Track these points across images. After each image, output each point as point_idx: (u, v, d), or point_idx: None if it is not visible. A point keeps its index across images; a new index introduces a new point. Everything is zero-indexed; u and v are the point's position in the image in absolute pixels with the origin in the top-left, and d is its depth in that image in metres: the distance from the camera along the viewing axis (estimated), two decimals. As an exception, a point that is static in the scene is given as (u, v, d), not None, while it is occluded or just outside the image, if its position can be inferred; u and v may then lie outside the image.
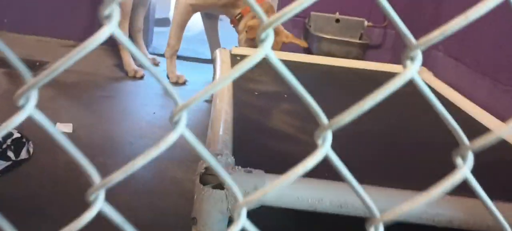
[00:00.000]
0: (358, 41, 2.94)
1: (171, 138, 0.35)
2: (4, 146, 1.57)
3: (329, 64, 2.47)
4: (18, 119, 0.31)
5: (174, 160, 1.73)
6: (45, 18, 3.18)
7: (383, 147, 1.54)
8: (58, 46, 3.06)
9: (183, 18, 2.70)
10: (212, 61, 2.55)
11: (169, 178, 1.62)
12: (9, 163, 1.52)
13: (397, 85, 0.36)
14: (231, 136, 1.30)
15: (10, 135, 1.64)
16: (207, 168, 1.08)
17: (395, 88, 0.36)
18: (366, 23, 2.97)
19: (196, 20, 4.15)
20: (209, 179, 1.08)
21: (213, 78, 2.44)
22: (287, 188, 1.08)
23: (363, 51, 2.92)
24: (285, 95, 1.93)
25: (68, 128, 1.87)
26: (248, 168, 1.10)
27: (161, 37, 3.79)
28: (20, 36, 3.13)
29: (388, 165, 1.38)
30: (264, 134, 1.46)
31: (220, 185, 1.06)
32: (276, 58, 0.36)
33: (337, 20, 2.99)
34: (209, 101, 2.38)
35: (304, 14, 3.05)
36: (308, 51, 2.97)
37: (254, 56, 0.34)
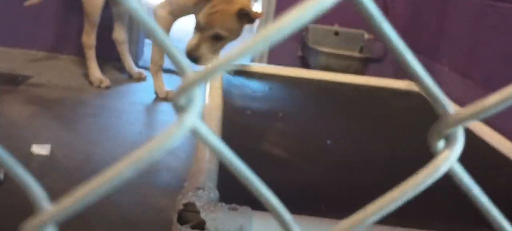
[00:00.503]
0: (358, 55, 2.80)
1: (179, 132, 0.22)
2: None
3: (327, 80, 2.33)
4: None
5: (158, 186, 1.59)
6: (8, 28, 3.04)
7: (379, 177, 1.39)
8: (23, 57, 2.91)
9: (164, 30, 2.55)
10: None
11: (151, 206, 1.47)
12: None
13: (430, 180, 0.22)
14: (217, 164, 1.16)
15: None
16: (186, 205, 0.93)
17: (423, 188, 0.22)
18: (366, 35, 2.83)
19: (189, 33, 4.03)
20: (189, 216, 0.93)
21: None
22: (277, 228, 0.93)
23: (364, 66, 2.78)
24: (280, 114, 1.79)
25: (45, 149, 1.73)
26: (233, 205, 0.95)
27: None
28: None
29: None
30: (254, 160, 1.31)
31: (200, 224, 0.91)
32: (206, 130, 0.22)
33: (336, 33, 2.85)
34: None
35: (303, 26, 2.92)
36: (306, 65, 2.83)
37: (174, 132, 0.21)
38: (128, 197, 1.48)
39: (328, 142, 1.58)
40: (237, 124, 1.57)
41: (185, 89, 0.23)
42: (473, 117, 0.22)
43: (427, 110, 2.04)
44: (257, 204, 0.96)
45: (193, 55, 2.12)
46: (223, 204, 0.95)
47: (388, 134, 1.76)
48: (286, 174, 1.28)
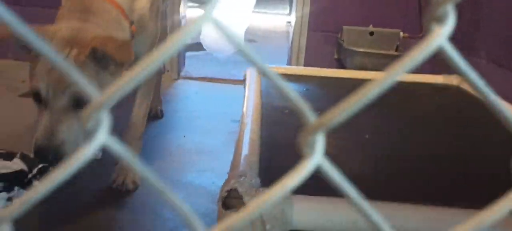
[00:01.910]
0: (394, 53, 2.82)
1: (90, 149, 0.27)
2: (30, 176, 1.55)
3: (364, 78, 2.36)
4: None
5: (202, 185, 1.66)
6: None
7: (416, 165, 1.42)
8: None
9: None
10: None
11: (198, 205, 1.55)
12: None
13: (418, 59, 0.27)
14: (258, 156, 1.22)
15: (36, 164, 1.61)
16: (229, 191, 1.00)
17: (413, 65, 0.27)
18: (401, 34, 2.84)
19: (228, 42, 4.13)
20: (232, 202, 1.00)
21: (243, 98, 2.38)
22: (317, 210, 0.99)
23: (400, 64, 2.79)
24: (319, 113, 1.84)
25: (100, 153, 1.84)
26: (274, 190, 1.01)
27: (193, 61, 3.78)
28: None
29: (427, 184, 1.27)
30: (292, 155, 1.37)
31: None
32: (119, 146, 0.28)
33: (371, 33, 2.88)
34: (238, 120, 2.32)
35: (336, 28, 2.96)
36: (342, 67, 2.87)
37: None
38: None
39: (367, 136, 1.62)
40: (277, 122, 1.63)
41: (92, 112, 0.28)
42: None
43: (464, 104, 2.03)
44: (297, 189, 1.02)
45: (48, 149, 1.24)
46: (266, 188, 1.01)
47: (425, 127, 1.78)
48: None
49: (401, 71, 0.27)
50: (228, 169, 1.82)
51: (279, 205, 0.97)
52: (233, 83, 3.26)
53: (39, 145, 1.23)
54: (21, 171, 1.54)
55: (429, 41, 0.26)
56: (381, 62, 2.72)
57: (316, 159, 0.28)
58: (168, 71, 3.16)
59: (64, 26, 1.32)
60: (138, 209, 1.47)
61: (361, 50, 2.76)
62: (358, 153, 1.52)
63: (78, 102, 1.26)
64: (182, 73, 3.34)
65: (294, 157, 1.21)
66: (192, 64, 3.65)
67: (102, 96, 0.27)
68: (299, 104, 0.29)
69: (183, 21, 3.28)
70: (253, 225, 0.97)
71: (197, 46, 4.17)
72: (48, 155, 1.23)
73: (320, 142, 0.28)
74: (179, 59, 3.30)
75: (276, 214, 0.97)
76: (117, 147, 0.28)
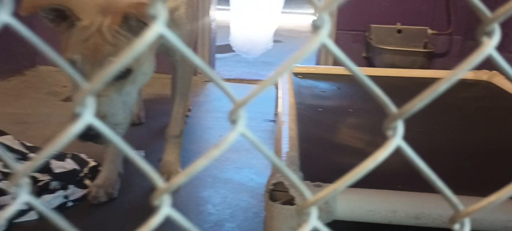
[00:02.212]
0: (422, 50, 2.85)
1: (231, 137, 0.35)
2: (82, 174, 1.65)
3: (394, 76, 2.41)
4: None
5: (242, 181, 1.74)
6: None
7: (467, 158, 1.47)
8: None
9: None
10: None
11: (239, 200, 1.62)
12: (86, 191, 1.59)
13: (475, 62, 0.34)
14: (297, 152, 1.29)
15: (87, 163, 1.72)
16: (275, 184, 1.07)
17: (471, 67, 0.34)
18: (430, 31, 2.88)
19: (257, 43, 4.22)
20: (279, 195, 1.07)
21: (276, 97, 2.45)
22: (359, 201, 1.05)
23: (429, 60, 2.82)
24: (350, 110, 1.90)
25: (142, 153, 1.93)
26: (317, 182, 1.08)
27: (222, 63, 3.87)
28: None
29: (475, 177, 1.32)
30: (331, 149, 1.44)
31: (289, 201, 1.05)
32: (333, 44, 0.35)
33: (399, 31, 2.92)
34: (274, 121, 2.39)
35: (364, 27, 3.01)
36: (370, 64, 2.91)
37: (311, 43, 0.34)
38: (217, 191, 1.65)
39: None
40: (311, 119, 1.69)
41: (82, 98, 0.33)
42: (505, 14, 0.33)
43: (493, 99, 2.06)
44: (330, 176, 1.08)
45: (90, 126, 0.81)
46: (309, 182, 1.08)
47: (456, 122, 1.82)
48: (360, 160, 1.39)
49: (462, 71, 0.34)
50: (264, 165, 1.90)
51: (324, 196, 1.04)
52: (263, 83, 3.33)
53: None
54: (74, 170, 1.64)
55: (483, 49, 0.33)
56: (410, 59, 2.76)
57: (397, 139, 0.36)
58: (200, 73, 3.26)
59: None
60: (183, 205, 1.56)
61: (390, 48, 2.80)
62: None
63: (121, 74, 1.23)
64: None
65: (330, 152, 1.30)
66: (222, 66, 3.74)
67: (89, 85, 0.33)
68: (382, 97, 0.36)
69: (213, 24, 3.37)
70: (299, 215, 1.04)
71: (226, 47, 4.26)
72: (90, 131, 1.19)
73: (400, 127, 0.36)
74: (209, 61, 3.39)
75: (321, 205, 1.04)
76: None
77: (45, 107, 2.55)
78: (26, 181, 0.34)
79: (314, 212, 0.38)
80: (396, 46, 2.82)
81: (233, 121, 0.36)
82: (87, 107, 0.33)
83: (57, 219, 0.35)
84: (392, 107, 0.36)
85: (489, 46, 0.34)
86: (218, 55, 3.77)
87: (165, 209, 0.35)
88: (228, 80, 3.35)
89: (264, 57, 4.21)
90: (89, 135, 1.15)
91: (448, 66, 2.67)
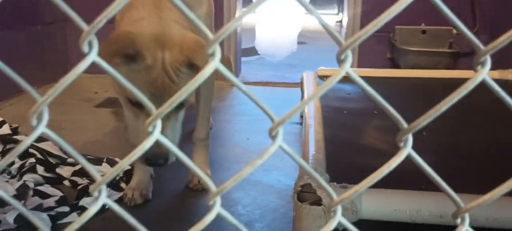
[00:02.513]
0: (447, 50, 2.86)
1: (272, 149, 0.41)
2: (117, 178, 1.73)
3: (419, 77, 2.43)
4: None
5: (269, 183, 1.80)
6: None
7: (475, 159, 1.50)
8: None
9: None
10: (300, 84, 2.60)
11: (267, 201, 1.68)
12: (121, 193, 1.67)
13: (470, 88, 0.40)
14: (324, 154, 1.34)
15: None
16: (303, 186, 1.12)
17: (468, 91, 0.40)
18: (455, 31, 2.88)
19: (279, 48, 4.27)
20: (306, 196, 1.13)
21: (302, 100, 2.49)
22: (384, 201, 1.10)
23: (454, 60, 2.83)
24: (375, 112, 1.94)
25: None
26: (344, 184, 1.13)
27: (248, 66, 3.94)
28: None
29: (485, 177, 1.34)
30: (357, 151, 1.48)
31: (317, 202, 1.10)
32: (355, 74, 0.40)
33: (423, 31, 2.93)
34: (300, 123, 2.44)
35: (388, 28, 3.03)
36: (395, 65, 2.93)
37: (336, 75, 0.39)
38: (247, 193, 1.71)
39: (424, 132, 1.70)
40: (337, 122, 1.74)
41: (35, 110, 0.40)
42: (494, 48, 0.39)
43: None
44: (354, 177, 1.13)
45: (160, 156, 1.30)
46: (335, 183, 1.13)
47: (481, 122, 1.84)
48: (385, 161, 1.43)
49: (459, 96, 0.39)
50: (291, 168, 1.95)
51: (351, 197, 1.09)
52: (287, 86, 3.39)
53: (151, 152, 1.11)
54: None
55: (477, 77, 0.39)
56: (435, 60, 2.77)
57: (408, 149, 0.41)
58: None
59: (145, 23, 1.33)
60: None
61: (414, 49, 2.82)
62: (416, 147, 1.61)
63: (178, 107, 1.30)
64: (239, 79, 3.49)
65: (355, 153, 1.35)
66: (247, 70, 3.81)
67: (44, 97, 0.39)
68: (394, 114, 0.42)
69: (238, 28, 3.44)
70: (326, 214, 1.10)
71: (251, 50, 4.33)
72: (159, 161, 1.30)
73: (410, 139, 0.41)
74: (235, 65, 3.46)
75: (347, 204, 1.09)
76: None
77: (79, 113, 2.66)
78: (104, 188, 0.40)
79: (339, 210, 0.43)
80: (420, 47, 2.83)
81: (273, 137, 0.42)
82: (156, 127, 0.40)
83: (129, 217, 0.41)
84: (403, 123, 0.41)
85: (483, 74, 0.39)
86: (243, 59, 3.84)
87: (217, 208, 0.41)
88: (254, 83, 3.42)
89: (289, 59, 4.26)
90: (156, 162, 1.31)
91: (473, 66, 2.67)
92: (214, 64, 0.38)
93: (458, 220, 0.44)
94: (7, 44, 2.82)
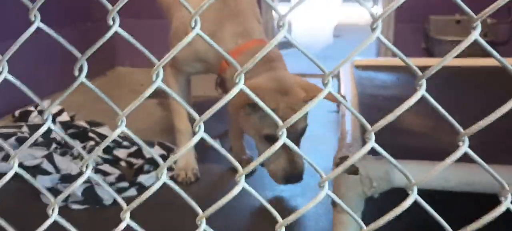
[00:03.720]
0: (483, 39, 2.90)
1: (323, 93, 0.53)
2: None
3: (453, 65, 2.48)
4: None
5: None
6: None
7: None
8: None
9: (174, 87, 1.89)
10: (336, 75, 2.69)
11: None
12: (171, 173, 1.82)
13: (463, 47, 0.51)
14: (360, 132, 1.45)
15: (171, 149, 1.96)
16: (342, 158, 1.24)
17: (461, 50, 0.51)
18: (489, 20, 2.92)
19: (311, 41, 4.37)
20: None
21: (338, 90, 2.60)
22: (415, 171, 1.20)
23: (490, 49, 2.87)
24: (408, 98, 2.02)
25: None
26: (378, 156, 1.24)
27: (285, 58, 4.04)
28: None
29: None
30: (391, 131, 1.58)
31: (354, 171, 1.22)
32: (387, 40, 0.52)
33: (458, 21, 2.98)
34: (337, 111, 2.55)
35: (423, 19, 3.09)
36: (429, 54, 3.00)
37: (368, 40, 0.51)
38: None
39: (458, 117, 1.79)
40: (372, 106, 1.84)
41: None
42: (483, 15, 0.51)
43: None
44: (398, 153, 1.25)
45: (297, 177, 1.61)
46: (371, 155, 1.25)
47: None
48: (425, 142, 1.52)
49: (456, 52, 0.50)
50: (328, 151, 2.06)
51: (384, 167, 1.20)
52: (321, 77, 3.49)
53: (289, 174, 1.57)
54: (163, 155, 1.89)
55: (470, 37, 0.50)
56: (470, 49, 2.82)
57: (465, 147, 0.53)
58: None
59: (262, 77, 1.59)
60: (261, 183, 1.76)
61: (449, 38, 2.87)
62: (451, 131, 1.70)
63: (302, 133, 1.63)
64: (277, 71, 3.62)
65: (390, 133, 1.45)
66: (285, 61, 3.92)
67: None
68: (452, 122, 0.54)
69: (274, 22, 3.56)
70: (362, 183, 1.21)
71: (288, 43, 4.44)
72: (296, 181, 1.60)
73: (466, 140, 0.53)
74: (273, 58, 3.58)
75: (382, 174, 1.20)
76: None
77: (127, 103, 2.83)
78: (165, 170, 0.57)
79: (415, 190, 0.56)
80: (455, 37, 2.88)
81: (325, 84, 0.55)
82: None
83: (181, 192, 0.55)
84: (460, 129, 0.54)
85: (474, 35, 0.51)
86: (281, 51, 3.96)
87: (241, 184, 0.56)
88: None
89: (324, 52, 4.36)
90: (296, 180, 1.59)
91: (509, 55, 2.71)
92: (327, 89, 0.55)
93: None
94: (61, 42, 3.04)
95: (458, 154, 0.53)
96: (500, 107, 0.52)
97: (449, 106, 0.66)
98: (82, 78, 0.64)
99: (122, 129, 0.63)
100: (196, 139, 0.59)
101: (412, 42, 3.18)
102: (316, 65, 0.60)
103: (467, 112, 1.93)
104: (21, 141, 1.90)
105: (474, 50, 2.79)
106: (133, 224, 0.70)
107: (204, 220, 0.70)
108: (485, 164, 0.56)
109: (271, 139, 1.55)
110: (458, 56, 2.33)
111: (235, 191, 0.65)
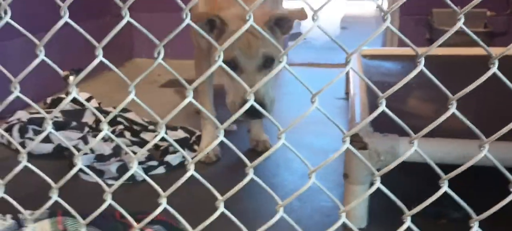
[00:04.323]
0: (483, 30, 3.05)
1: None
2: (191, 141, 2.06)
3: (454, 54, 2.64)
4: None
5: (316, 145, 2.08)
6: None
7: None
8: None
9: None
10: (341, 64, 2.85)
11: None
12: (195, 154, 1.99)
13: (449, 34, 0.67)
14: (368, 113, 1.62)
15: (193, 132, 2.13)
16: (352, 136, 1.40)
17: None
18: (488, 13, 3.07)
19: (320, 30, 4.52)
20: (355, 144, 1.41)
21: (347, 78, 2.76)
22: (418, 146, 1.37)
23: (489, 39, 3.02)
24: (414, 85, 2.18)
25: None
26: (385, 133, 1.41)
27: (294, 49, 4.21)
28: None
29: None
30: (403, 115, 1.74)
31: (363, 147, 1.38)
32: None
33: (460, 13, 3.13)
34: (345, 98, 2.71)
35: (426, 12, 3.24)
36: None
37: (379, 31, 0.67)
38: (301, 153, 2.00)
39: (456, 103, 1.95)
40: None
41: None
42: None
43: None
44: (402, 133, 1.43)
45: (263, 102, 1.59)
46: (378, 132, 1.41)
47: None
48: (429, 123, 1.68)
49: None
50: (338, 134, 2.22)
51: (390, 143, 1.37)
52: (331, 67, 3.65)
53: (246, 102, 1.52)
54: (185, 138, 2.06)
55: (453, 28, 0.66)
56: (471, 40, 2.97)
57: (453, 108, 0.68)
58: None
59: (231, 10, 1.63)
60: (276, 162, 1.93)
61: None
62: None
63: (266, 61, 1.63)
64: (287, 60, 3.78)
65: (405, 117, 1.61)
66: (294, 52, 4.08)
67: (252, 88, 0.69)
68: (442, 88, 0.69)
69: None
70: (371, 157, 1.37)
71: (297, 35, 4.60)
72: (255, 113, 1.48)
73: (454, 103, 0.69)
74: (283, 48, 3.74)
75: (388, 149, 1.36)
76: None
77: (146, 93, 3.01)
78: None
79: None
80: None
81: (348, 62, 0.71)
82: (252, 96, 0.69)
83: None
84: (449, 94, 0.69)
85: (458, 25, 0.66)
86: (290, 43, 4.13)
87: (250, 175, 0.70)
88: (300, 64, 3.70)
89: (331, 43, 4.49)
90: (256, 115, 1.58)
91: (507, 44, 2.86)
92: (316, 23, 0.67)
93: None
94: (82, 34, 3.21)
95: (448, 114, 0.69)
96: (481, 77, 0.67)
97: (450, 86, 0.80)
98: (100, 57, 0.75)
99: (162, 134, 0.78)
100: (220, 138, 0.71)
101: (417, 33, 3.33)
102: (339, 46, 0.73)
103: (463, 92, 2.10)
104: (56, 125, 2.07)
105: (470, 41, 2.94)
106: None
107: (222, 204, 0.79)
108: (476, 129, 0.71)
109: (228, 65, 1.58)
110: (457, 46, 2.50)
111: (245, 180, 0.77)
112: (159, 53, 0.70)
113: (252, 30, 1.49)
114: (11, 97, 0.72)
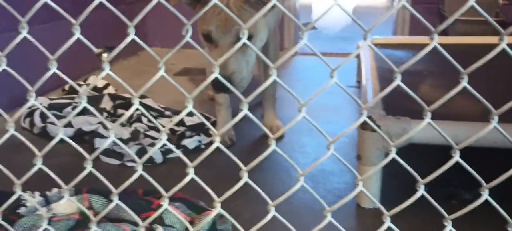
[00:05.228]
0: (494, 18, 3.07)
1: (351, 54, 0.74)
2: (206, 126, 2.11)
3: (465, 43, 2.67)
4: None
5: (331, 129, 2.13)
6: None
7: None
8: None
9: None
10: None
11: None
12: (211, 138, 2.04)
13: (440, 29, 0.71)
14: (379, 96, 1.66)
15: (209, 118, 2.18)
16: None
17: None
18: (500, 1, 3.08)
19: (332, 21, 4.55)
20: (368, 126, 1.46)
21: (358, 67, 2.79)
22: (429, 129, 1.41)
23: (501, 28, 3.04)
24: (425, 73, 2.22)
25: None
26: (397, 116, 1.45)
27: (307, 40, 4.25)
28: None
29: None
30: (407, 99, 1.79)
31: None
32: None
33: (471, 2, 3.14)
34: (357, 87, 2.75)
35: (437, 1, 3.26)
36: (444, 33, 3.17)
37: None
38: (313, 138, 2.05)
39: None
40: (390, 80, 2.03)
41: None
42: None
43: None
44: (414, 115, 1.49)
45: (230, 77, 1.62)
46: (390, 115, 1.46)
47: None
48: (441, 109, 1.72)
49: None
50: (347, 120, 2.27)
51: (402, 125, 1.41)
52: (342, 56, 3.68)
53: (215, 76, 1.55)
54: (202, 123, 2.11)
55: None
56: (482, 28, 3.00)
57: (464, 82, 0.73)
58: (286, 48, 3.66)
59: None
60: (290, 146, 1.99)
61: (463, 18, 3.04)
62: (460, 101, 1.90)
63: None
64: (298, 50, 3.82)
65: (406, 100, 1.66)
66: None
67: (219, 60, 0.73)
68: (452, 61, 0.73)
69: (296, 5, 3.75)
70: (383, 139, 1.42)
71: (308, 25, 4.63)
72: (222, 84, 1.62)
73: (466, 77, 0.72)
74: (294, 38, 3.78)
75: (400, 131, 1.41)
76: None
77: (160, 81, 3.06)
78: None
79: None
80: (468, 17, 3.05)
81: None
82: (216, 68, 0.73)
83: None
84: (460, 69, 0.72)
85: (455, 16, 0.70)
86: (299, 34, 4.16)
87: (272, 147, 0.75)
88: (312, 54, 3.73)
89: (343, 33, 4.54)
90: (221, 88, 1.67)
91: None
92: (273, 1, 0.72)
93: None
94: (98, 23, 3.27)
95: (459, 87, 0.72)
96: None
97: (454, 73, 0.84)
98: (132, 35, 0.79)
99: (190, 109, 0.77)
100: (240, 115, 0.74)
101: (427, 22, 3.35)
102: (358, 25, 0.77)
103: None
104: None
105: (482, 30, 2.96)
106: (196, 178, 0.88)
107: (246, 174, 0.83)
108: (485, 101, 0.75)
109: (205, 38, 1.68)
110: (472, 35, 2.54)
111: (268, 151, 0.78)
112: (187, 31, 0.74)
113: (230, 6, 1.61)
114: (49, 74, 0.77)
